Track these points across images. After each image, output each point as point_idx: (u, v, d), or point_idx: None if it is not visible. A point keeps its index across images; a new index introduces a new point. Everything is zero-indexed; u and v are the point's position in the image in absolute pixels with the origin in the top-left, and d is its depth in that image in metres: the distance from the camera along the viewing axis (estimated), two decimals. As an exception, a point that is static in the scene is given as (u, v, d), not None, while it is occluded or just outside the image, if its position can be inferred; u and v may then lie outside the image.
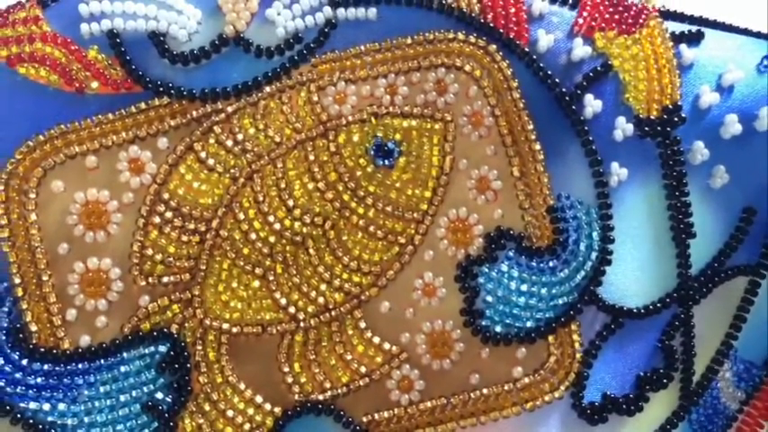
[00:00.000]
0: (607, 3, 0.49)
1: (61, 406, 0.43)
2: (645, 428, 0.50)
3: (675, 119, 0.47)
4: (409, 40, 0.45)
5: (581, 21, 0.47)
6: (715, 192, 0.49)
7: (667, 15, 0.49)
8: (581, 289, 0.47)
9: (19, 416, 0.42)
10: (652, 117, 0.47)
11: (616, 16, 0.47)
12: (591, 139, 0.46)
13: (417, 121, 0.45)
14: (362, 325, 0.46)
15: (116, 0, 0.45)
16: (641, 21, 0.47)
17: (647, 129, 0.47)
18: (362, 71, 0.45)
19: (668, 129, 0.47)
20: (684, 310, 0.49)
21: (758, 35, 0.49)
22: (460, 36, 0.45)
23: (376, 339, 0.46)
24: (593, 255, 0.47)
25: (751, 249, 0.50)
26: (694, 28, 0.49)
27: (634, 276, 0.48)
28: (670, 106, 0.47)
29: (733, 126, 0.47)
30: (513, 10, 0.47)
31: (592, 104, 0.46)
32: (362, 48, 0.45)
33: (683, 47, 0.47)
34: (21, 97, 0.43)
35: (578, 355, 0.47)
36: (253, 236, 0.44)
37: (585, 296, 0.47)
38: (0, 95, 0.43)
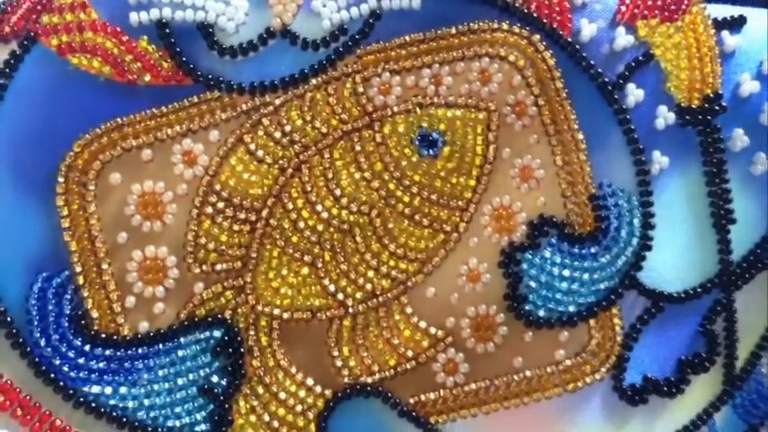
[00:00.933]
0: None
1: (122, 389, 0.47)
2: (687, 412, 0.53)
3: (716, 107, 0.51)
4: (453, 30, 0.49)
5: (623, 8, 0.50)
6: (756, 179, 0.52)
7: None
8: (622, 274, 0.51)
9: (82, 399, 0.46)
10: (693, 106, 0.51)
11: (659, 2, 0.51)
12: (633, 127, 0.50)
13: (461, 110, 0.49)
14: (409, 310, 0.50)
15: None
16: (684, 7, 0.51)
17: (687, 117, 0.51)
18: (407, 62, 0.49)
19: (709, 117, 0.50)
20: (726, 296, 0.53)
21: None
22: (504, 26, 0.49)
23: (422, 324, 0.50)
24: (634, 241, 0.50)
25: None
26: (737, 13, 0.52)
27: (674, 262, 0.52)
28: (711, 95, 0.51)
29: None
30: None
31: (634, 93, 0.50)
32: (407, 38, 0.49)
33: (725, 33, 0.51)
34: (74, 88, 0.46)
35: (619, 338, 0.51)
36: (301, 224, 0.48)
37: (626, 281, 0.51)
38: (54, 85, 0.46)
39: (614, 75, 0.50)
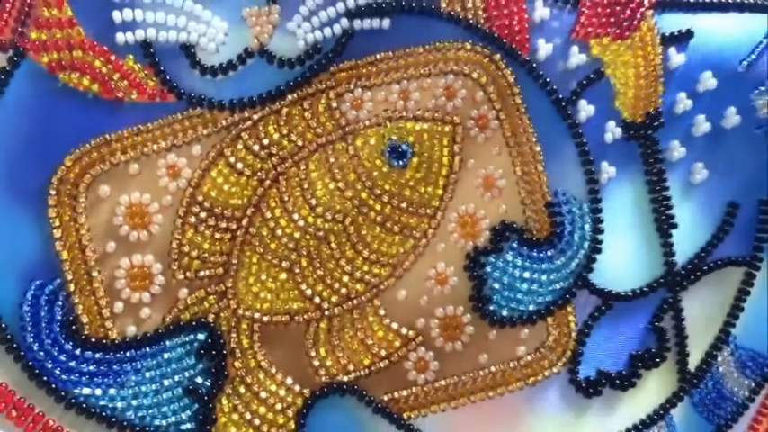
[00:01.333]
0: (602, 4, 0.57)
1: (111, 391, 0.51)
2: (644, 406, 0.59)
3: (656, 123, 0.57)
4: (420, 49, 0.54)
5: (578, 27, 0.56)
6: (696, 187, 0.58)
7: (663, 6, 0.57)
8: (575, 275, 0.56)
9: (73, 401, 0.50)
10: (637, 122, 0.56)
11: (612, 19, 0.56)
12: (584, 141, 0.56)
13: (429, 124, 0.54)
14: (381, 312, 0.55)
15: (148, 10, 0.52)
16: (635, 22, 0.56)
17: (632, 132, 0.56)
18: (377, 78, 0.54)
19: (650, 132, 0.56)
20: (672, 296, 0.59)
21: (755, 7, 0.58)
22: (467, 45, 0.54)
23: (394, 325, 0.55)
24: (586, 245, 0.56)
25: (740, 242, 0.60)
26: (684, 28, 0.57)
27: (622, 264, 0.58)
28: (653, 112, 0.57)
29: (702, 125, 0.57)
30: (516, 19, 0.55)
31: (585, 109, 0.56)
32: (377, 56, 0.54)
33: (671, 51, 0.56)
34: (63, 104, 0.50)
35: (573, 335, 0.57)
36: (279, 232, 0.53)
37: (579, 281, 0.56)
38: (44, 101, 0.50)
39: (568, 91, 0.56)
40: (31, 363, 0.50)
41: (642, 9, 0.57)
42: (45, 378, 0.50)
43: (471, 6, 0.54)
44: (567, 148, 0.56)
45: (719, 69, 0.57)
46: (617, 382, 0.57)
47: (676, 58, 0.57)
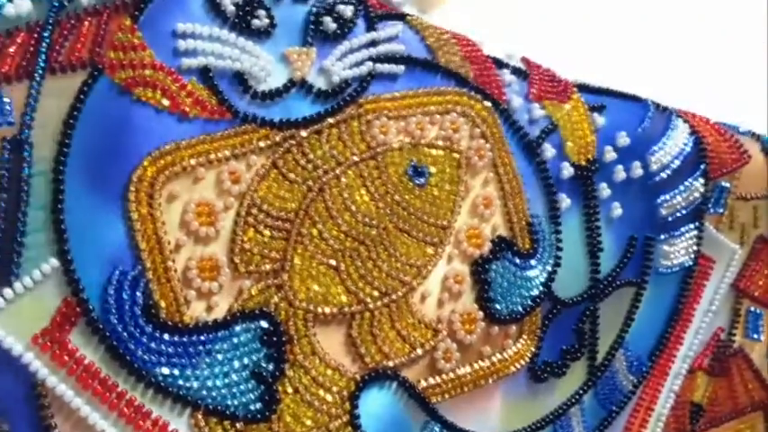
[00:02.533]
0: (545, 78, 0.77)
1: (187, 371, 0.58)
2: (567, 391, 0.77)
3: (593, 167, 0.77)
4: (431, 90, 0.71)
5: (534, 90, 0.76)
6: (614, 221, 0.79)
7: (579, 88, 0.80)
8: (543, 284, 0.73)
9: (153, 379, 0.57)
10: (581, 164, 0.76)
11: (552, 88, 0.77)
12: (548, 175, 0.74)
13: (442, 150, 0.70)
14: (414, 307, 0.67)
15: (207, 42, 0.64)
16: (568, 93, 0.78)
17: (578, 172, 0.76)
18: (397, 111, 0.70)
19: (589, 174, 0.76)
20: (593, 305, 0.77)
21: (633, 98, 0.82)
22: (464, 91, 0.72)
23: (425, 318, 0.68)
24: (551, 260, 0.73)
25: (634, 267, 0.80)
26: (598, 102, 0.80)
27: (567, 277, 0.76)
28: (591, 159, 0.77)
29: (619, 173, 0.78)
30: (493, 78, 0.75)
31: (549, 150, 0.74)
32: (396, 93, 0.70)
33: (595, 115, 0.78)
34: (138, 114, 0.61)
35: (538, 331, 0.73)
36: (326, 234, 0.65)
37: (545, 289, 0.73)
38: (123, 112, 0.60)
39: (534, 135, 0.74)
40: (115, 343, 0.56)
41: (569, 87, 0.78)
42: (128, 357, 0.56)
43: (460, 64, 0.73)
44: (536, 180, 0.74)
45: (629, 130, 0.80)
46: (555, 370, 0.75)
47: (598, 119, 0.78)
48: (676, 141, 0.80)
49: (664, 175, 0.80)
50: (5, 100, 0.56)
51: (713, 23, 1.01)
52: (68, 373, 0.53)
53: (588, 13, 1.12)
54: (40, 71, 0.57)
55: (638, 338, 0.81)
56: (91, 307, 0.55)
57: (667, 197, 0.81)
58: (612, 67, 1.03)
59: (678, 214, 0.81)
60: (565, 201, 0.75)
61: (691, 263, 0.82)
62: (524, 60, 0.79)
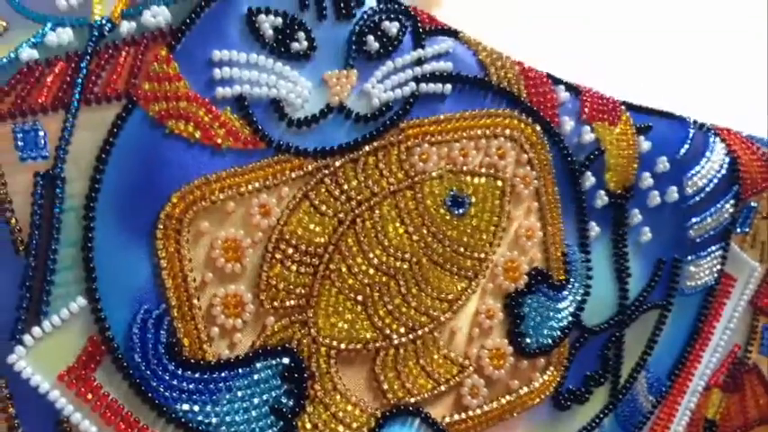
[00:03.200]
0: (596, 97, 0.76)
1: (207, 407, 0.62)
2: (588, 416, 0.78)
3: (629, 195, 0.76)
4: (478, 113, 0.69)
5: (586, 110, 0.73)
6: (643, 245, 0.78)
7: (626, 106, 0.77)
8: (573, 314, 0.73)
9: (174, 415, 0.61)
10: (618, 192, 0.75)
11: (603, 107, 0.75)
12: (584, 204, 0.73)
13: (485, 178, 0.69)
14: (441, 342, 0.68)
15: (244, 69, 0.65)
16: (618, 113, 0.75)
17: (612, 200, 0.75)
18: (441, 136, 0.68)
19: (623, 202, 0.75)
20: (619, 331, 0.77)
21: (676, 118, 0.80)
22: (515, 114, 0.70)
23: (452, 354, 0.68)
24: (581, 290, 0.73)
25: (660, 289, 0.80)
26: (644, 123, 0.78)
27: (595, 304, 0.76)
28: (629, 186, 0.76)
29: (654, 199, 0.77)
30: (548, 98, 0.72)
31: (589, 180, 0.73)
32: (441, 116, 0.68)
33: (641, 138, 0.76)
34: (170, 148, 0.62)
35: (565, 362, 0.74)
36: (355, 269, 0.66)
37: (574, 319, 0.73)
38: (155, 145, 0.61)
39: (578, 162, 0.73)
40: (138, 380, 0.59)
41: (619, 107, 0.76)
42: (150, 394, 0.59)
43: (514, 83, 0.70)
44: (572, 209, 0.74)
45: (669, 154, 0.78)
46: (578, 397, 0.76)
47: (644, 144, 0.76)
48: (713, 164, 0.80)
49: (698, 198, 0.80)
50: (40, 133, 0.59)
51: (713, 23, 0.95)
52: (93, 409, 0.58)
53: (588, 14, 1.07)
54: (76, 102, 0.59)
55: (658, 359, 0.82)
56: (116, 345, 0.59)
57: (698, 219, 0.81)
58: (612, 67, 1.00)
59: (707, 235, 0.81)
60: (594, 229, 0.75)
61: (713, 282, 0.82)
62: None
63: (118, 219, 0.59)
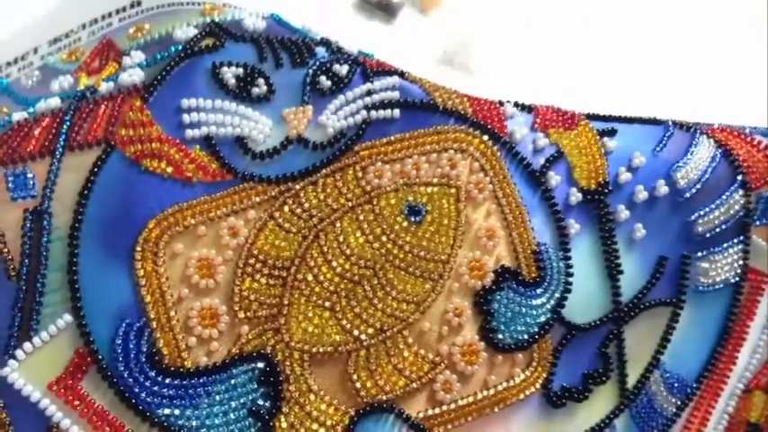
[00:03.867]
0: (551, 110, 0.82)
1: (187, 412, 0.68)
2: (595, 416, 0.79)
3: (606, 190, 0.80)
4: (427, 131, 0.77)
5: (538, 120, 0.80)
6: (637, 242, 0.81)
7: (589, 117, 0.83)
8: (552, 310, 0.76)
9: (156, 420, 0.67)
10: (591, 188, 0.79)
11: (557, 117, 0.81)
12: (555, 202, 0.78)
13: (438, 187, 0.76)
14: (410, 341, 0.73)
15: (210, 113, 0.74)
16: (576, 121, 0.82)
17: (588, 197, 0.79)
18: (393, 154, 0.76)
19: (601, 197, 0.80)
20: (616, 328, 0.80)
21: (652, 122, 0.84)
22: (462, 128, 0.77)
23: (422, 351, 0.74)
24: (561, 286, 0.77)
25: (669, 286, 0.82)
26: (609, 126, 0.82)
27: (582, 301, 0.79)
28: (602, 182, 0.80)
29: (641, 193, 0.80)
30: (495, 112, 0.80)
31: (554, 178, 0.78)
32: (392, 138, 0.76)
33: (605, 139, 0.81)
34: (145, 183, 0.71)
35: (550, 357, 0.77)
36: (321, 278, 0.73)
37: (555, 315, 0.76)
38: (131, 181, 0.70)
39: (538, 164, 0.78)
40: (122, 387, 0.66)
41: (578, 117, 0.82)
42: (133, 401, 0.66)
43: (460, 105, 0.78)
44: (543, 208, 0.78)
45: (644, 150, 0.82)
46: (575, 395, 0.77)
47: (609, 143, 0.81)
48: (701, 156, 0.82)
49: (694, 190, 0.81)
50: (29, 176, 0.68)
51: (713, 23, 1.00)
52: (80, 416, 0.64)
53: (588, 14, 1.13)
54: (61, 149, 0.69)
55: (679, 359, 0.83)
56: (101, 356, 0.66)
57: (702, 213, 0.82)
58: (612, 67, 1.04)
59: (717, 229, 0.82)
60: (574, 227, 0.78)
61: (737, 278, 0.83)
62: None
63: (100, 245, 0.67)
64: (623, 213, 0.80)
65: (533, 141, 0.80)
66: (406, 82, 0.78)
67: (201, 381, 0.66)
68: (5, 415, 0.63)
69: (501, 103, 0.81)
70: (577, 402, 0.78)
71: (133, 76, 0.71)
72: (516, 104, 0.81)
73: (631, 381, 0.81)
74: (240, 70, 0.74)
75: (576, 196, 0.78)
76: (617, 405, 0.80)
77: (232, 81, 0.73)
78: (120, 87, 0.73)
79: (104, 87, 0.70)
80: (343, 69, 0.76)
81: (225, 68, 0.73)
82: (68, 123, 0.69)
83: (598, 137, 0.81)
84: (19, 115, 0.69)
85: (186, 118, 0.71)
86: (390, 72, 0.78)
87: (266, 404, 0.67)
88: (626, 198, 0.81)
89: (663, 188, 0.81)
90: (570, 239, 0.78)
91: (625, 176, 0.80)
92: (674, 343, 0.82)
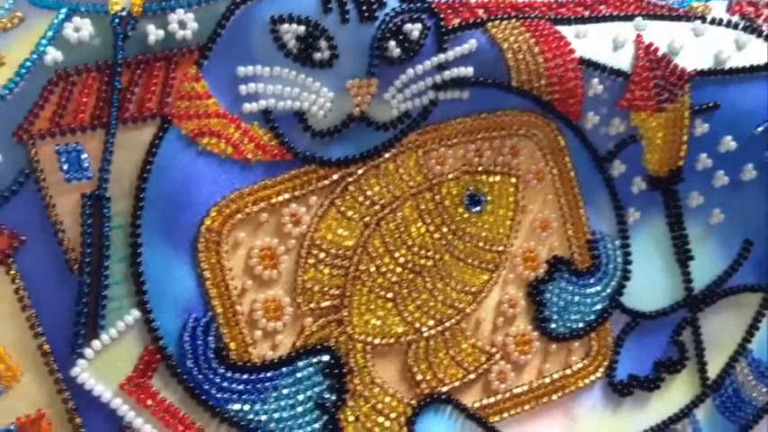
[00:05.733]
0: (652, 77, 0.76)
1: (256, 406, 0.70)
2: (672, 406, 0.84)
3: (677, 179, 0.81)
4: (492, 115, 0.77)
5: (624, 100, 0.78)
6: (714, 228, 0.84)
7: (702, 74, 0.76)
8: (610, 298, 0.81)
9: (226, 415, 0.70)
10: (661, 176, 0.82)
11: (654, 93, 0.77)
12: (616, 191, 0.81)
13: (499, 176, 0.78)
14: (468, 333, 0.77)
15: (268, 83, 0.72)
16: (675, 96, 0.79)
17: (656, 184, 0.81)
18: (456, 138, 0.77)
19: (671, 185, 0.81)
20: (691, 315, 0.84)
21: None
22: (530, 113, 0.77)
23: (479, 343, 0.78)
24: (618, 273, 0.81)
25: (756, 272, 0.84)
26: (713, 100, 0.77)
27: (647, 289, 0.83)
28: (675, 169, 0.82)
29: (721, 179, 0.82)
30: (572, 94, 0.76)
31: (618, 167, 0.80)
32: (456, 121, 0.77)
33: (698, 121, 0.81)
34: (204, 163, 0.70)
35: (611, 346, 0.81)
36: (383, 269, 0.75)
37: (613, 303, 0.81)
38: (190, 162, 0.70)
39: (605, 151, 0.80)
40: (191, 384, 0.68)
41: (680, 88, 0.79)
42: (203, 396, 0.68)
43: (537, 83, 0.76)
44: (602, 197, 0.81)
45: (739, 133, 0.81)
46: (644, 384, 0.82)
47: (701, 127, 0.80)
48: None
49: None
50: (83, 155, 0.67)
51: None
52: (153, 414, 0.66)
53: None
54: (114, 122, 0.66)
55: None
56: (169, 353, 0.67)
57: None
58: None
59: None
60: (634, 215, 0.81)
61: None
62: (642, 47, 0.76)
63: (161, 234, 0.67)
64: (696, 200, 0.83)
65: (607, 125, 0.80)
66: (485, 45, 0.73)
67: (269, 375, 0.69)
68: (77, 417, 0.64)
69: (594, 67, 0.75)
70: (648, 391, 0.83)
71: (186, 28, 0.66)
72: (610, 71, 0.76)
73: (713, 370, 0.85)
74: (302, 28, 0.67)
75: (639, 185, 0.81)
76: (697, 395, 0.84)
77: (292, 42, 0.68)
78: (172, 43, 0.68)
79: (153, 38, 0.67)
80: (415, 31, 0.70)
81: (285, 26, 0.67)
82: (118, 86, 0.66)
83: (689, 119, 0.80)
84: (52, 56, 0.65)
85: (243, 89, 0.70)
86: (470, 25, 0.72)
87: (332, 397, 0.70)
88: (701, 183, 0.82)
89: (751, 173, 0.82)
90: (630, 227, 0.81)
91: (705, 164, 0.82)
92: (764, 330, 0.85)
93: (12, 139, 0.64)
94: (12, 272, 0.64)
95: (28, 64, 0.64)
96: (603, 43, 0.77)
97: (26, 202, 0.64)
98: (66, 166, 0.66)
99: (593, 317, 0.79)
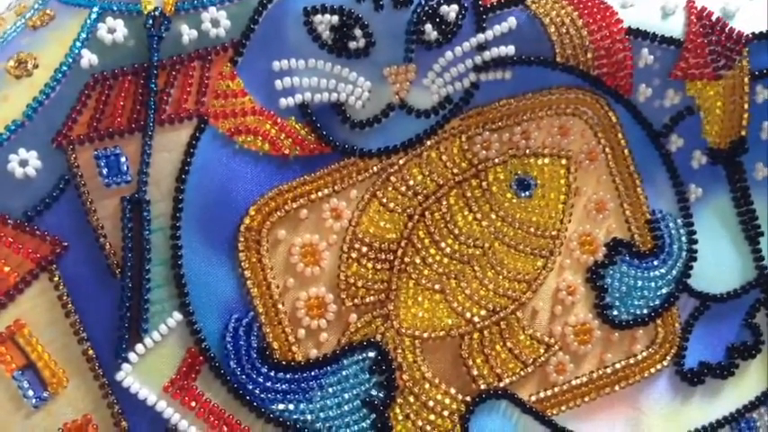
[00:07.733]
0: (707, 43, 0.75)
1: (301, 406, 0.72)
2: (747, 393, 0.82)
3: (740, 150, 0.80)
4: (538, 94, 0.77)
5: (678, 69, 0.78)
6: None
7: (765, 35, 0.75)
8: (676, 281, 0.80)
9: (271, 415, 0.72)
10: (722, 148, 0.80)
11: (709, 63, 0.78)
12: (675, 167, 0.80)
13: (548, 158, 0.78)
14: (524, 323, 0.77)
15: (304, 76, 0.74)
16: (732, 62, 0.78)
17: (718, 157, 0.80)
18: (501, 121, 0.77)
19: (734, 157, 0.80)
20: (764, 295, 0.82)
21: None
22: (578, 89, 0.77)
23: (537, 333, 0.77)
24: (684, 254, 0.80)
25: None
26: None
27: (715, 269, 0.81)
28: (737, 140, 0.80)
29: None
30: (622, 67, 0.76)
31: (676, 142, 0.79)
32: (500, 102, 0.77)
33: (758, 87, 0.79)
34: (242, 162, 0.73)
35: (678, 332, 0.80)
36: (429, 260, 0.76)
37: (680, 286, 0.79)
38: (228, 161, 0.72)
39: (661, 125, 0.79)
40: (235, 385, 0.70)
41: (738, 53, 0.78)
42: (248, 397, 0.70)
43: (583, 57, 0.76)
44: (660, 174, 0.80)
45: None
46: (717, 371, 0.81)
47: (762, 93, 0.79)
48: None
49: None
50: (122, 159, 0.70)
51: None
52: (197, 416, 0.69)
53: None
54: (151, 125, 0.69)
55: None
56: (212, 354, 0.70)
57: None
58: None
59: None
60: (695, 191, 0.80)
61: None
62: (694, 12, 0.75)
63: (201, 235, 0.70)
64: (761, 172, 0.82)
65: (662, 97, 0.79)
66: (526, 22, 0.72)
67: (313, 374, 0.71)
68: (124, 421, 0.67)
69: (644, 36, 0.75)
70: (721, 379, 0.81)
71: (218, 26, 0.69)
72: (661, 40, 0.75)
73: None
74: (335, 18, 0.69)
75: (699, 159, 0.80)
76: None
77: (327, 33, 0.69)
78: (206, 42, 0.71)
79: (187, 38, 0.70)
80: (451, 12, 0.70)
81: (318, 17, 0.69)
82: (154, 88, 0.69)
83: (748, 86, 0.78)
84: (87, 59, 0.68)
85: (279, 84, 0.72)
86: (508, 2, 0.71)
87: (380, 394, 0.72)
88: (767, 153, 0.81)
89: None
90: (692, 205, 0.80)
91: None
92: None
93: (51, 146, 0.67)
94: (55, 278, 0.68)
95: (64, 68, 0.68)
96: (652, 11, 0.76)
97: (67, 208, 0.68)
98: (105, 171, 0.69)
99: (658, 302, 0.78)
